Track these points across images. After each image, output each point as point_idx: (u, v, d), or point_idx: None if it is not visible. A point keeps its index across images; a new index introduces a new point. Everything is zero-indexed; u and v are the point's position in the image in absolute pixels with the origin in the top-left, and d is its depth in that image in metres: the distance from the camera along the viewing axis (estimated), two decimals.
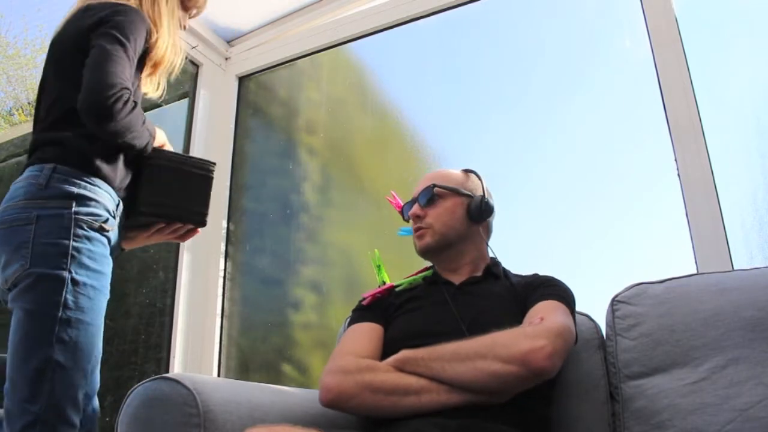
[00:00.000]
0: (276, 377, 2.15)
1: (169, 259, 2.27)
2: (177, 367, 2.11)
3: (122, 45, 1.17)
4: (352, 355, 1.13)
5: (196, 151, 2.34)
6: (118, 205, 1.23)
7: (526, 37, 2.14)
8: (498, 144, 2.07)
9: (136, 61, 1.22)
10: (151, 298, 2.30)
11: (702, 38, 1.71)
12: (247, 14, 2.43)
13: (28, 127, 2.31)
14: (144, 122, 1.22)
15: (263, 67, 2.49)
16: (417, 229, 1.30)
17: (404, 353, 1.06)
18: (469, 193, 1.31)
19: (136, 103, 1.18)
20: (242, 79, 2.55)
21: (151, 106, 2.44)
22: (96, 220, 1.15)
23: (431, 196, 1.30)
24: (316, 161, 2.39)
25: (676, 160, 1.58)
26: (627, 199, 1.79)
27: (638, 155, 1.80)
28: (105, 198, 1.18)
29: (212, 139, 2.40)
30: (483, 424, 0.99)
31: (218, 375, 2.17)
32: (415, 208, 1.31)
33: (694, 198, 1.53)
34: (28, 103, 2.44)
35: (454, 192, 1.31)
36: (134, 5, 1.28)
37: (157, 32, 1.29)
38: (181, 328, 2.16)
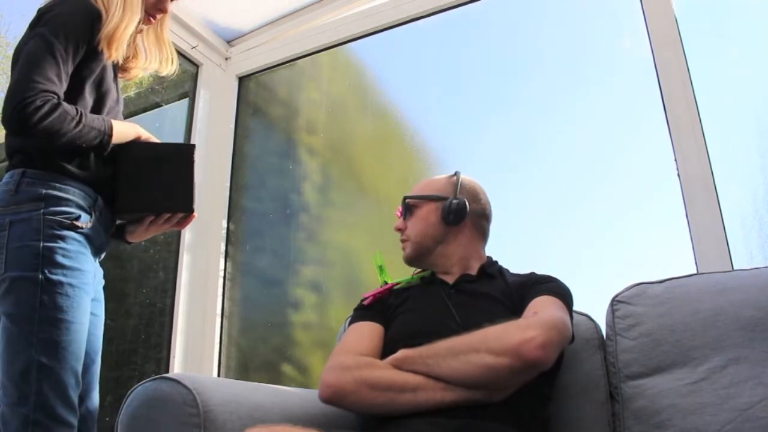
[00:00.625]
0: (276, 377, 2.15)
1: (169, 259, 2.27)
2: (177, 367, 2.11)
3: (48, 44, 1.13)
4: (352, 353, 1.13)
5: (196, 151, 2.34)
6: (96, 201, 1.22)
7: (526, 38, 2.14)
8: (498, 144, 2.07)
9: (70, 54, 1.16)
10: (151, 298, 2.30)
11: (702, 38, 1.71)
12: (247, 14, 2.43)
13: None
14: (80, 121, 1.15)
15: (263, 67, 2.49)
16: (401, 242, 1.35)
17: (402, 352, 1.07)
18: (446, 197, 1.31)
19: (59, 104, 1.12)
20: (242, 79, 2.55)
21: (151, 105, 2.44)
22: (67, 218, 1.15)
23: (407, 208, 1.35)
24: (316, 161, 2.39)
25: (676, 160, 1.58)
26: (627, 199, 1.79)
27: (638, 155, 1.80)
28: (77, 195, 1.18)
29: (212, 139, 2.40)
30: (482, 423, 0.99)
31: (218, 375, 2.17)
32: (398, 223, 1.37)
33: (694, 198, 1.53)
34: None
35: (427, 199, 1.33)
36: None
37: (107, 14, 1.21)
38: (181, 328, 2.16)
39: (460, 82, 2.21)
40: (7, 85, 1.16)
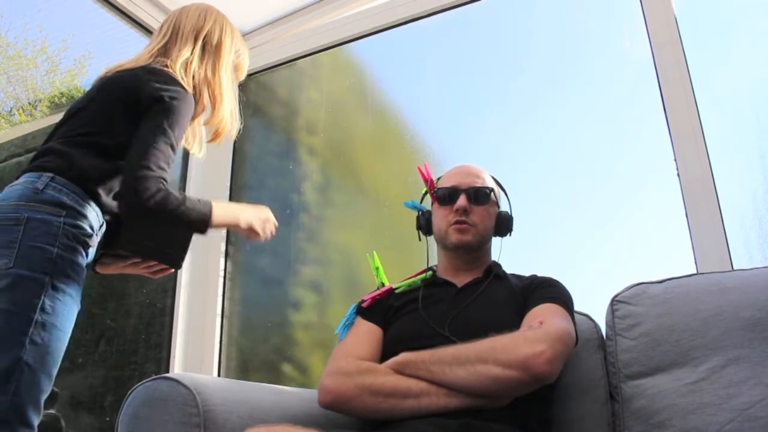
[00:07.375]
0: (276, 377, 2.15)
1: None
2: (177, 367, 2.11)
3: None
4: (352, 357, 1.13)
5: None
6: (101, 226, 1.26)
7: (526, 38, 2.14)
8: (498, 144, 2.07)
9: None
10: (151, 298, 2.30)
11: (702, 38, 1.71)
12: (247, 14, 2.43)
13: (28, 127, 2.31)
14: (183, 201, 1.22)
15: (263, 67, 2.49)
16: (461, 223, 1.27)
17: (404, 356, 1.06)
18: (498, 204, 1.34)
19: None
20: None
21: None
22: (81, 234, 1.18)
23: (480, 194, 1.30)
24: (316, 161, 2.39)
25: (676, 160, 1.58)
26: (627, 199, 1.79)
27: (638, 155, 1.80)
28: (92, 216, 1.21)
29: None
30: (484, 423, 0.99)
31: (218, 375, 2.17)
32: (464, 202, 1.28)
33: (694, 198, 1.53)
34: (29, 103, 2.44)
35: (495, 198, 1.34)
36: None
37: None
38: (181, 328, 2.16)
39: (459, 82, 2.21)
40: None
